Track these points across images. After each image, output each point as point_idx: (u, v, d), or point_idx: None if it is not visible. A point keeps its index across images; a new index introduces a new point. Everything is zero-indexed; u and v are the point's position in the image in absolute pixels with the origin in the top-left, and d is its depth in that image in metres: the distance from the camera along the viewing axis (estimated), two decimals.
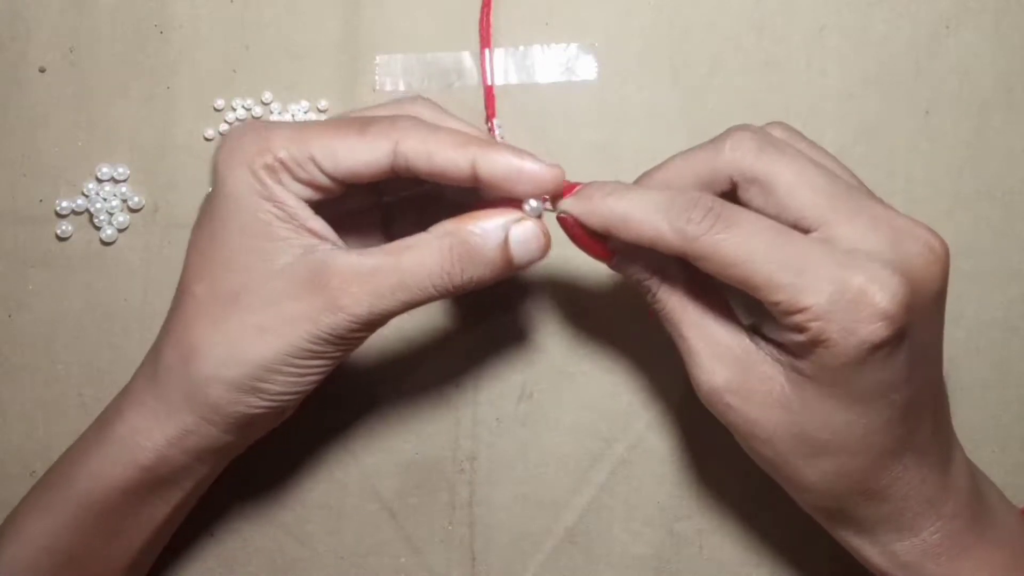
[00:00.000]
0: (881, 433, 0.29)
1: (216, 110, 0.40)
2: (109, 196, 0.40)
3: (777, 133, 0.32)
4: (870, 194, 0.30)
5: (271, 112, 0.40)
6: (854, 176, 0.32)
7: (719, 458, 0.40)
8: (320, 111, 0.40)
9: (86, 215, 0.40)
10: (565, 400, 0.40)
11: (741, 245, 0.28)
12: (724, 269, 0.28)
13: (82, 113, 0.40)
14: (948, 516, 0.30)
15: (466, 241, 0.30)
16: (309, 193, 0.31)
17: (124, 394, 0.33)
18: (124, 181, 0.40)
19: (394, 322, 0.32)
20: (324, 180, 0.31)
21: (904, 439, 0.29)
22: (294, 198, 0.31)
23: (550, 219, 0.32)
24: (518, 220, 0.31)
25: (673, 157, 0.32)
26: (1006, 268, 0.40)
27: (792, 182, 0.29)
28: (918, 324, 0.28)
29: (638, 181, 0.33)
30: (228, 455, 0.35)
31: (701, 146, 0.31)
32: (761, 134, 0.31)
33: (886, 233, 0.28)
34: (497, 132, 0.39)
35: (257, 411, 0.31)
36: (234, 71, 0.40)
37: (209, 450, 0.32)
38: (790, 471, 0.30)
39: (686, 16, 0.40)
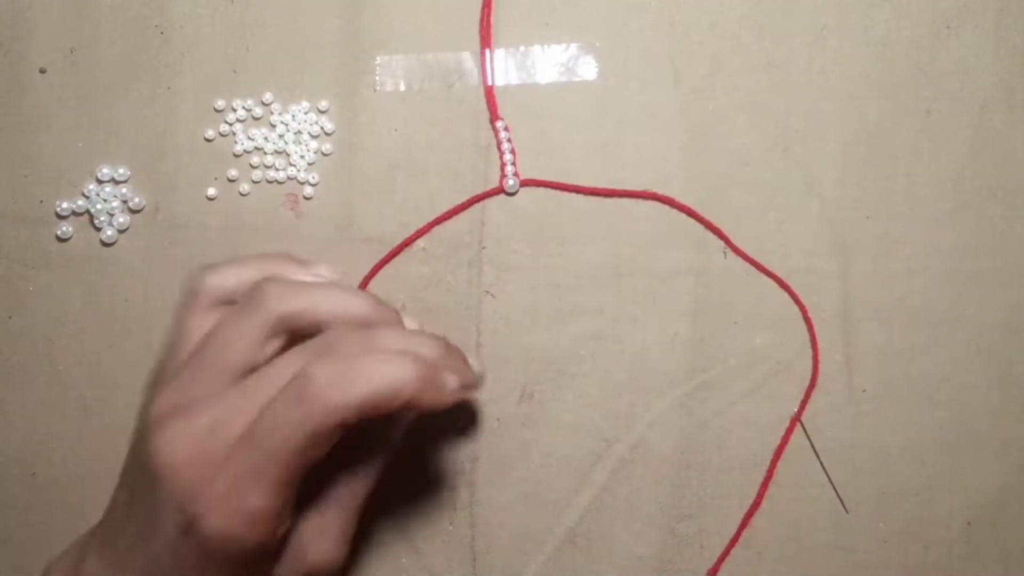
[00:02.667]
0: None
1: (217, 110, 0.40)
2: (109, 197, 0.40)
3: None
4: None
5: (272, 112, 0.40)
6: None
7: (720, 458, 0.40)
8: (321, 111, 0.40)
9: (86, 216, 0.40)
10: (566, 400, 0.40)
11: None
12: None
13: (82, 114, 0.40)
14: None
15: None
16: None
17: None
18: (125, 182, 0.40)
19: None
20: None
21: None
22: (282, 528, 0.32)
23: None
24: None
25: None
26: (1008, 268, 0.40)
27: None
28: None
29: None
30: None
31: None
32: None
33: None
34: (503, 135, 0.39)
35: None
36: (235, 71, 0.40)
37: None
38: None
39: (687, 16, 0.40)
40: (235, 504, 0.30)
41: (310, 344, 0.32)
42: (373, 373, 0.30)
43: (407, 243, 0.40)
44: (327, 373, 0.30)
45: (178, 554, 0.31)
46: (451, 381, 0.32)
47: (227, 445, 0.30)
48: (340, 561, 0.33)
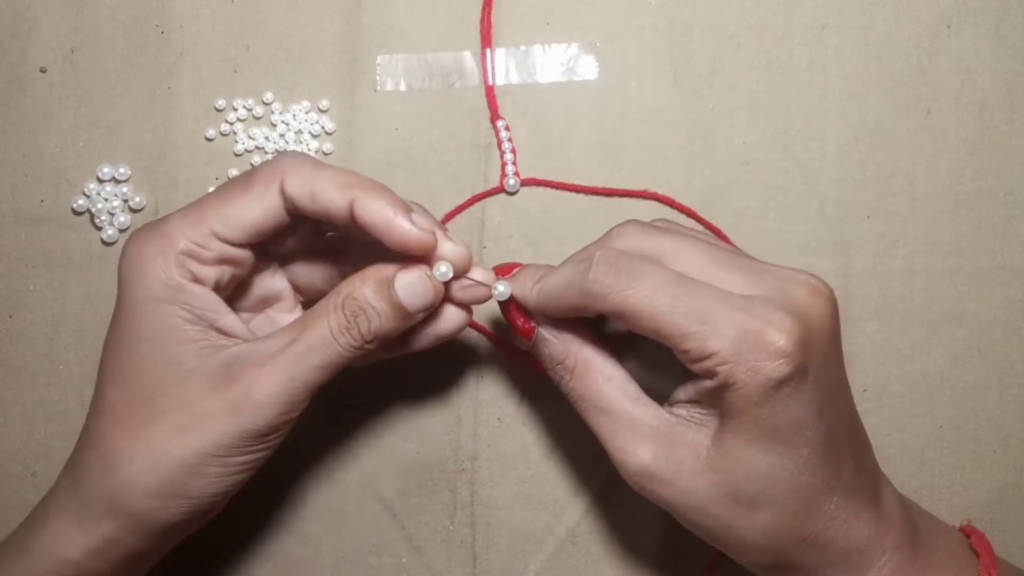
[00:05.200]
0: (806, 473, 0.30)
1: (217, 110, 0.40)
2: (110, 196, 0.40)
3: (659, 224, 0.34)
4: (750, 257, 0.32)
5: (272, 112, 0.40)
6: (736, 248, 0.33)
7: None
8: (321, 111, 0.40)
9: (87, 215, 0.40)
10: (566, 400, 0.40)
11: (646, 298, 0.29)
12: (636, 322, 0.30)
13: (83, 113, 0.40)
14: (892, 548, 0.31)
15: (352, 296, 0.31)
16: (222, 271, 0.31)
17: (50, 496, 0.33)
18: (125, 181, 0.40)
19: None
20: (231, 250, 0.31)
21: (829, 478, 0.30)
22: (206, 294, 0.31)
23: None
24: (402, 269, 0.31)
25: (556, 282, 0.32)
26: (1008, 267, 0.40)
27: (676, 250, 0.31)
28: (818, 362, 0.29)
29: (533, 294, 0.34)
30: (151, 560, 0.34)
31: (574, 276, 0.31)
32: (616, 263, 0.31)
33: (770, 282, 0.30)
34: (504, 134, 0.39)
35: (180, 516, 0.31)
36: (235, 71, 0.40)
37: (131, 558, 0.32)
38: (731, 534, 0.31)
39: (687, 16, 0.40)
40: (155, 230, 0.31)
41: None
42: (334, 170, 0.31)
43: None
44: (295, 157, 0.31)
45: (110, 326, 0.31)
46: (439, 231, 0.32)
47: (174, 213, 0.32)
48: (274, 402, 0.30)
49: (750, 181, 0.40)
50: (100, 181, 0.40)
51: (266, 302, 0.35)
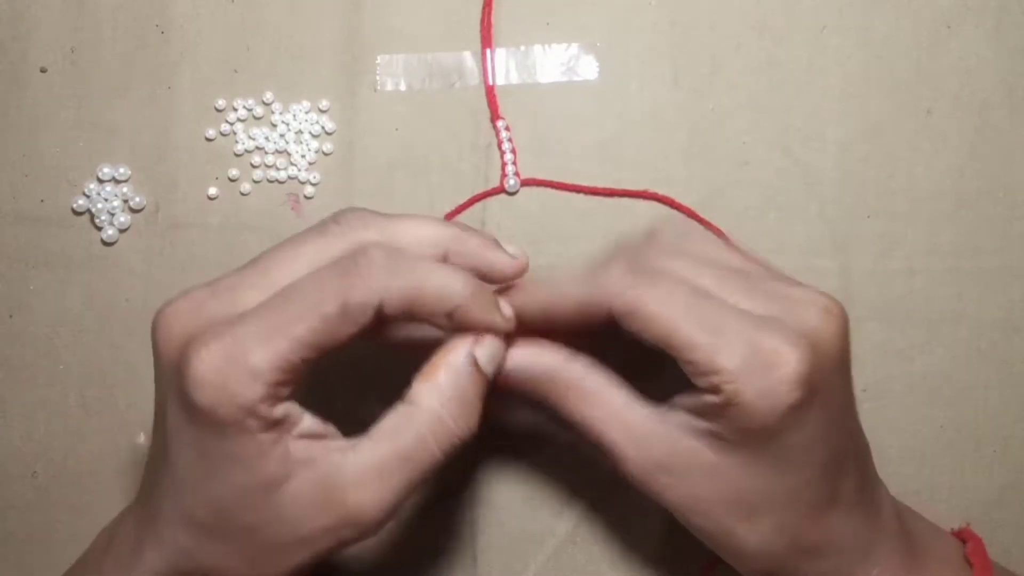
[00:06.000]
0: (808, 490, 0.30)
1: (217, 110, 0.40)
2: (110, 196, 0.40)
3: (693, 235, 0.33)
4: (767, 274, 0.32)
5: (272, 112, 0.40)
6: (755, 260, 0.32)
7: None
8: (321, 111, 0.40)
9: (87, 215, 0.40)
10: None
11: (661, 302, 0.29)
12: (646, 325, 0.29)
13: (83, 113, 0.40)
14: (884, 557, 0.31)
15: (448, 393, 0.29)
16: (296, 388, 0.29)
17: (111, 558, 0.31)
18: (125, 181, 0.40)
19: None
20: (311, 367, 0.29)
21: (831, 494, 0.30)
22: (286, 408, 0.28)
23: None
24: (474, 343, 0.30)
25: (562, 283, 0.32)
26: (1008, 268, 0.40)
27: (697, 262, 0.31)
28: (827, 384, 0.29)
29: (534, 299, 0.33)
30: None
31: (583, 277, 0.31)
32: (632, 267, 0.31)
33: (783, 304, 0.30)
34: (504, 134, 0.39)
35: None
36: (235, 71, 0.40)
37: None
38: (731, 540, 0.31)
39: (687, 16, 0.40)
40: (233, 354, 0.27)
41: None
42: (429, 270, 0.29)
43: None
44: (384, 255, 0.28)
45: (179, 439, 0.28)
46: (505, 308, 0.31)
47: (234, 310, 0.28)
48: (381, 517, 0.29)
49: (750, 181, 0.40)
50: (100, 181, 0.40)
51: None
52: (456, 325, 0.30)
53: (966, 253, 0.40)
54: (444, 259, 0.31)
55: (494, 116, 0.40)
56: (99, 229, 0.40)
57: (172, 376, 0.28)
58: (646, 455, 0.31)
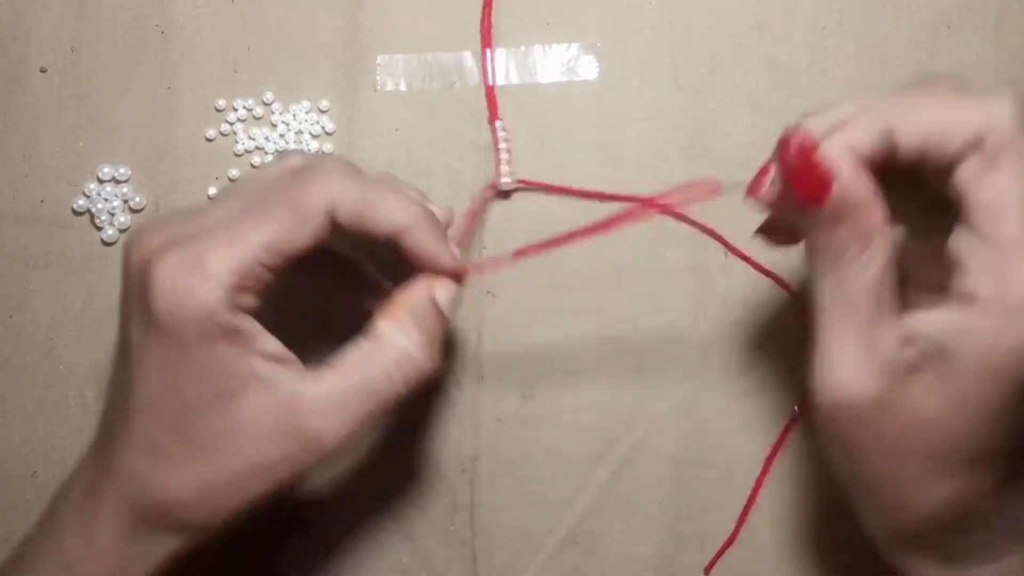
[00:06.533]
0: (1018, 451, 0.27)
1: (217, 110, 0.40)
2: (110, 196, 0.40)
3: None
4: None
5: (272, 112, 0.40)
6: None
7: (720, 458, 0.40)
8: (321, 111, 0.40)
9: (87, 215, 0.40)
10: (566, 400, 0.40)
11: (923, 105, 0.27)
12: (915, 126, 0.27)
13: (83, 113, 0.40)
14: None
15: (413, 331, 0.30)
16: (256, 301, 0.29)
17: (69, 506, 0.31)
18: (125, 181, 0.40)
19: None
20: (270, 278, 0.29)
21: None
22: (247, 321, 0.28)
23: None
24: (433, 283, 0.31)
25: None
26: None
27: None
28: None
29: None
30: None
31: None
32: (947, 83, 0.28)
33: None
34: (501, 134, 0.39)
35: (220, 525, 0.30)
36: (235, 71, 0.40)
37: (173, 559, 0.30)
38: (908, 494, 0.28)
39: (687, 16, 0.40)
40: (192, 260, 0.27)
41: None
42: (384, 185, 0.30)
43: None
44: (342, 163, 0.30)
45: (140, 359, 0.28)
46: (454, 248, 0.31)
47: (198, 227, 0.29)
48: (339, 446, 0.29)
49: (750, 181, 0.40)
50: (100, 181, 0.40)
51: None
52: (408, 251, 0.30)
53: None
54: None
55: (492, 117, 0.40)
56: (99, 229, 0.40)
57: (136, 292, 0.28)
58: (868, 379, 0.27)
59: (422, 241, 0.30)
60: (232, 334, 0.28)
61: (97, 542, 0.29)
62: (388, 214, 0.30)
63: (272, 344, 0.29)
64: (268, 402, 0.28)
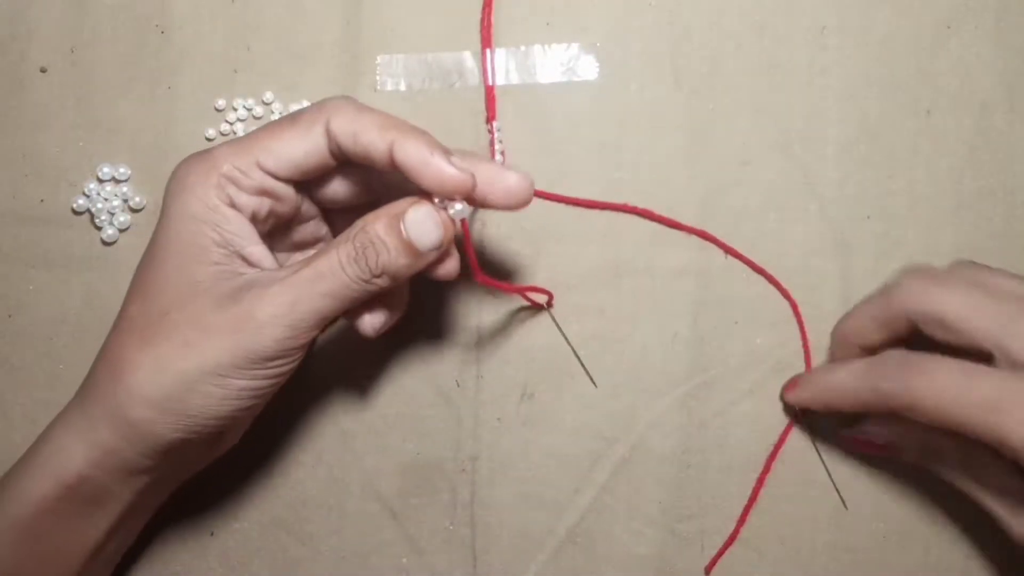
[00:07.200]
0: None
1: (217, 110, 0.40)
2: (110, 196, 0.40)
3: (953, 269, 0.36)
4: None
5: (272, 112, 0.40)
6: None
7: (720, 458, 0.40)
8: None
9: (87, 215, 0.40)
10: (566, 400, 0.40)
11: (934, 392, 0.32)
12: (927, 415, 0.32)
13: (83, 113, 0.40)
14: None
15: (364, 229, 0.31)
16: (261, 202, 0.32)
17: (59, 414, 0.33)
18: (125, 181, 0.40)
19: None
20: (272, 182, 0.31)
21: None
22: (239, 220, 0.31)
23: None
24: (413, 204, 0.31)
25: (857, 305, 0.38)
26: (1008, 267, 0.40)
27: (959, 312, 0.33)
28: None
29: (834, 331, 0.39)
30: (158, 486, 0.34)
31: (877, 292, 0.37)
32: (927, 274, 0.35)
33: None
34: (496, 135, 0.39)
35: (179, 433, 0.31)
36: (235, 71, 0.40)
37: (129, 472, 0.32)
38: None
39: (687, 16, 0.40)
40: (204, 155, 0.31)
41: None
42: (379, 113, 0.31)
43: None
44: (342, 98, 0.32)
45: (148, 245, 0.32)
46: (457, 161, 0.31)
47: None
48: (281, 335, 0.30)
49: (750, 181, 0.40)
50: (100, 181, 0.40)
51: (304, 246, 0.36)
52: (403, 165, 0.30)
53: (966, 253, 0.40)
54: (391, 158, 0.31)
55: (489, 117, 0.40)
56: (99, 229, 0.40)
57: (164, 201, 0.32)
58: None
59: (410, 148, 0.30)
60: (219, 222, 0.31)
61: (93, 432, 0.31)
62: (380, 124, 0.30)
63: (258, 251, 0.32)
64: (226, 282, 0.31)
